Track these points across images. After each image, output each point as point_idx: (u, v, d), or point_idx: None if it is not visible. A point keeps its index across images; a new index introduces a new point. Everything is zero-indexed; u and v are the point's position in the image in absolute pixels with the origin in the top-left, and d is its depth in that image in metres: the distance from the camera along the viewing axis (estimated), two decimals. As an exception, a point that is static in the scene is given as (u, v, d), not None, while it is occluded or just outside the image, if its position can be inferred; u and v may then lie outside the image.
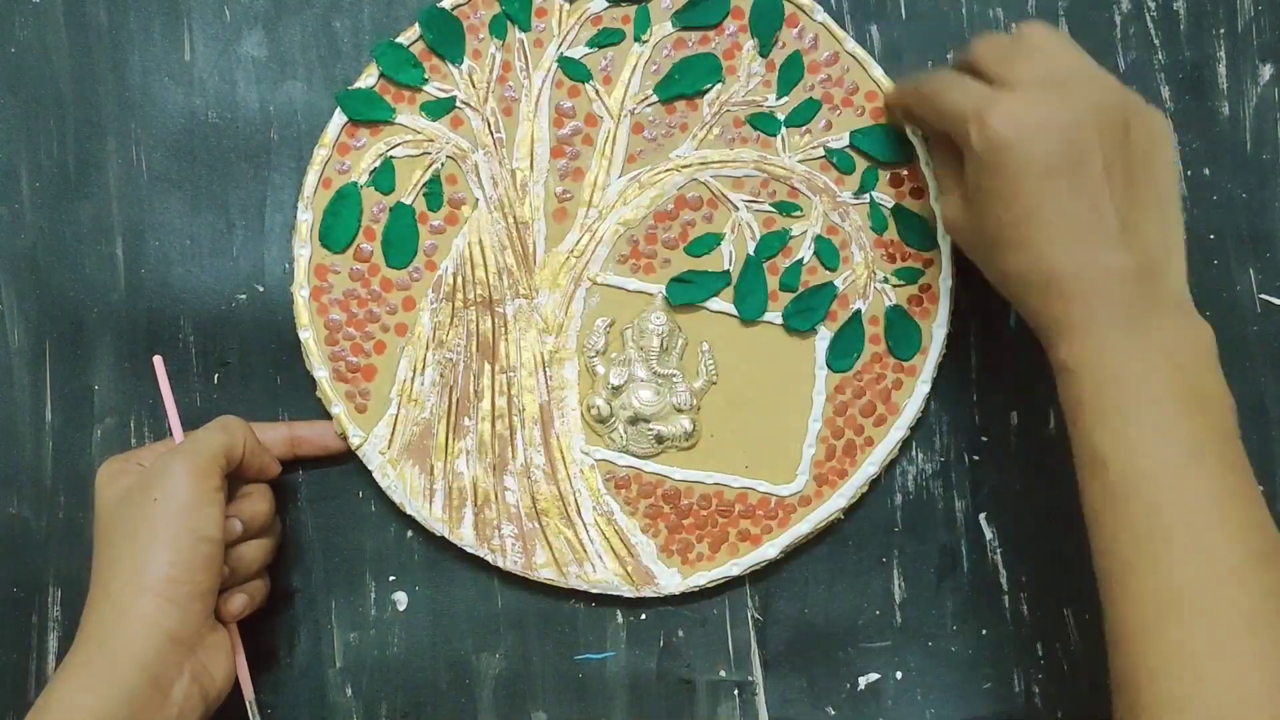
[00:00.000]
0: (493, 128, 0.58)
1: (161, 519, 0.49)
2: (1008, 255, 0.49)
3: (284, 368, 0.59)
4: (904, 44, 0.60)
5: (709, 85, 0.58)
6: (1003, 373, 0.59)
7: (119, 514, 0.51)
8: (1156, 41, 0.60)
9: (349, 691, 0.58)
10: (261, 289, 0.59)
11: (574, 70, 0.58)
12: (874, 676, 0.59)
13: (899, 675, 0.59)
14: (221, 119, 0.59)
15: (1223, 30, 0.60)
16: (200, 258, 0.59)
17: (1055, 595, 0.59)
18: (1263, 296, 0.60)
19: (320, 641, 0.58)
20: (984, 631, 0.59)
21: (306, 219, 0.58)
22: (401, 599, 0.58)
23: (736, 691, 0.58)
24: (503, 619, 0.58)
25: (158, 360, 0.57)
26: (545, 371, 0.58)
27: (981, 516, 0.59)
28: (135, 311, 0.59)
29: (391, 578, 0.59)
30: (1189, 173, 0.60)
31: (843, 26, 0.59)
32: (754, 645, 0.59)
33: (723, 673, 0.58)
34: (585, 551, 0.57)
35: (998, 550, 0.59)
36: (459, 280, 0.58)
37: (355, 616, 0.58)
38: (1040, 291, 0.48)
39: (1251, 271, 0.60)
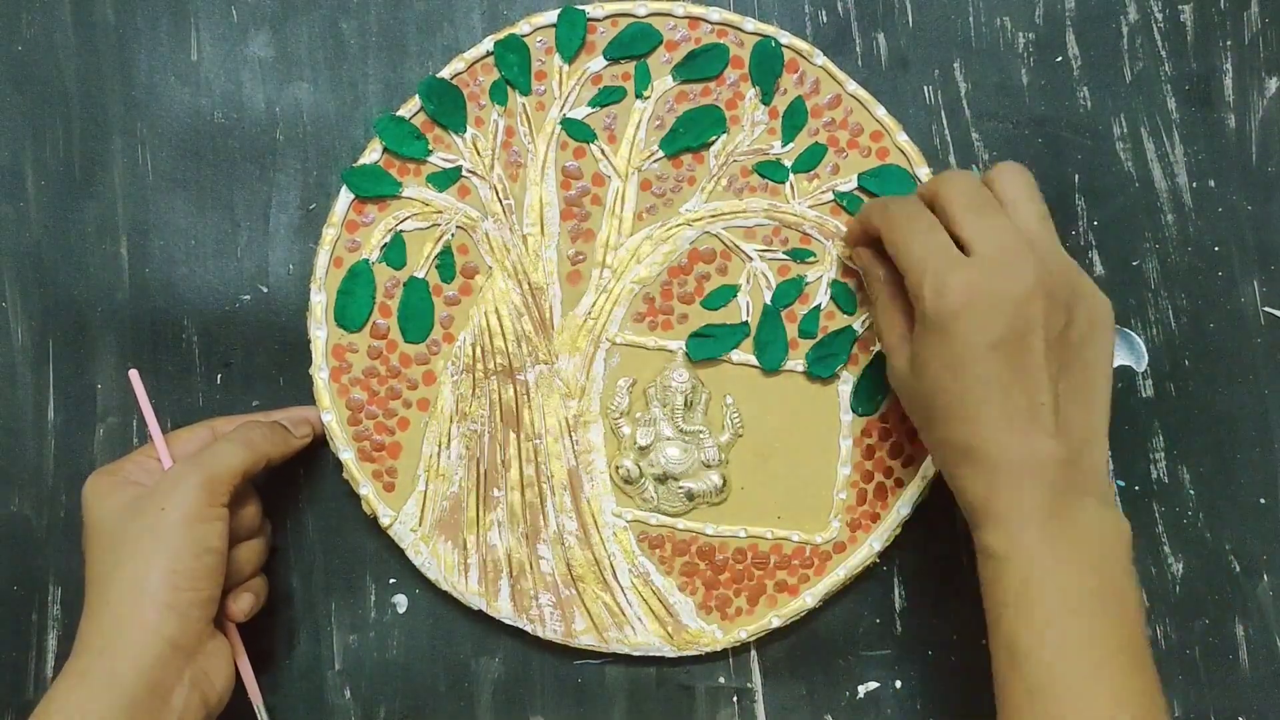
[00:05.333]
0: (500, 194, 0.58)
1: (167, 529, 0.50)
2: (946, 425, 0.48)
3: (287, 368, 0.59)
4: (910, 53, 0.60)
5: (714, 137, 0.58)
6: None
7: (120, 525, 0.51)
8: (1163, 52, 0.60)
9: (348, 694, 0.59)
10: (265, 290, 0.59)
11: (578, 131, 0.58)
12: (873, 685, 0.59)
13: (898, 685, 0.59)
14: (227, 119, 0.59)
15: (1230, 42, 0.60)
16: (204, 258, 0.59)
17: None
18: (1266, 309, 0.60)
19: (320, 643, 0.59)
20: (984, 643, 0.58)
21: (320, 300, 0.57)
22: (401, 601, 0.59)
23: (736, 699, 0.59)
24: (502, 623, 0.58)
25: (134, 374, 0.56)
26: (571, 436, 0.58)
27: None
28: (139, 311, 0.59)
29: (392, 580, 0.59)
30: (1194, 184, 0.60)
31: (849, 36, 0.59)
32: (753, 652, 0.59)
33: (722, 679, 0.59)
34: (624, 615, 0.57)
35: (1001, 559, 0.59)
36: (478, 350, 0.58)
37: (355, 619, 0.59)
38: (971, 469, 0.48)
39: (1255, 284, 0.60)
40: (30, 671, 0.58)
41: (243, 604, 0.54)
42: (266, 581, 0.56)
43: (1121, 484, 0.59)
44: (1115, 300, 0.59)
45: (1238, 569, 0.59)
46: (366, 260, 0.58)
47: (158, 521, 0.50)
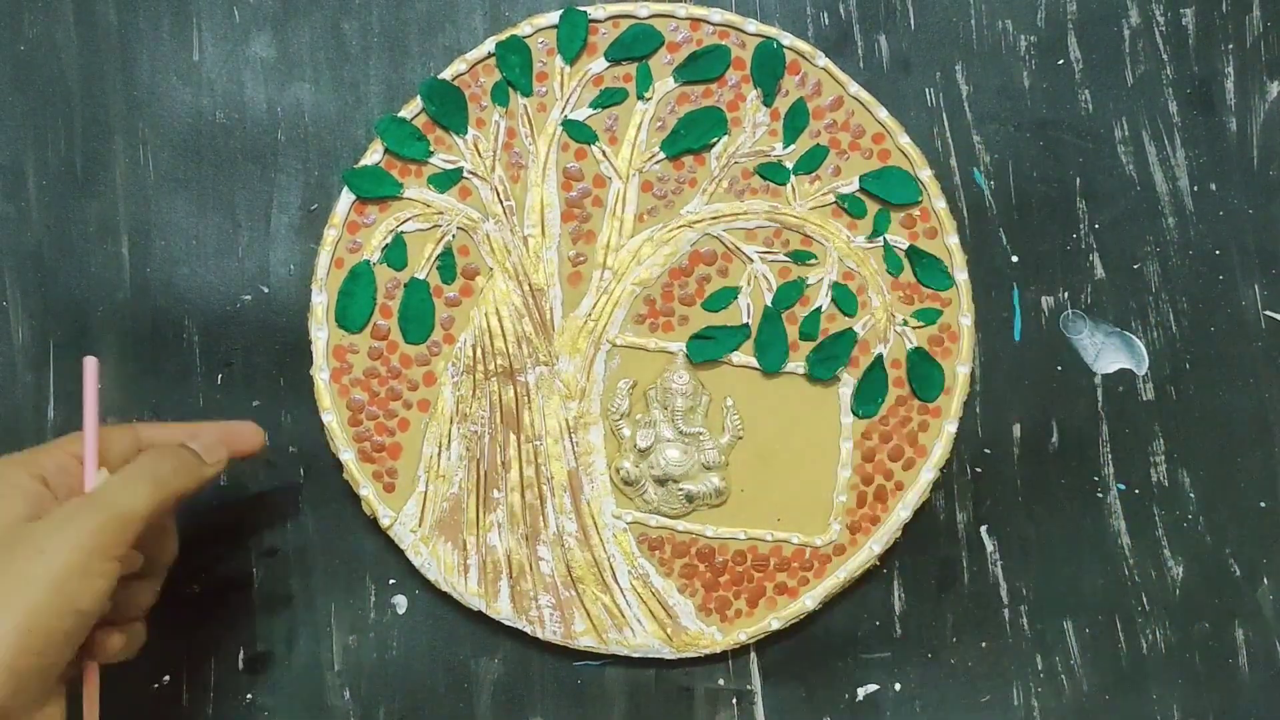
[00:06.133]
0: (501, 196, 0.58)
1: (36, 578, 0.43)
2: None
3: (287, 369, 0.59)
4: (912, 55, 0.60)
5: (715, 138, 0.58)
6: (1006, 385, 0.59)
7: None
8: (1165, 56, 0.60)
9: (346, 694, 0.59)
10: (266, 290, 0.59)
11: (579, 132, 0.58)
12: (873, 688, 0.59)
13: (898, 687, 0.59)
14: (229, 119, 0.59)
15: (1231, 46, 0.60)
16: (206, 258, 0.59)
17: (1055, 608, 0.59)
18: (1267, 313, 0.60)
19: (319, 644, 0.59)
20: (983, 644, 0.59)
21: (321, 301, 0.57)
22: (401, 602, 0.59)
23: (735, 700, 0.59)
24: (502, 624, 0.58)
25: (90, 361, 0.50)
26: (571, 438, 0.58)
27: (983, 529, 0.59)
28: (140, 311, 0.59)
29: (391, 581, 0.59)
30: (1195, 188, 0.60)
31: (850, 38, 0.59)
32: (753, 654, 0.59)
33: (721, 681, 0.59)
34: (624, 616, 0.57)
35: (998, 563, 0.59)
36: (479, 352, 0.58)
37: (354, 619, 0.59)
38: None
39: (1256, 288, 0.60)
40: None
41: (112, 644, 0.47)
42: (145, 630, 0.51)
43: (1122, 486, 0.59)
44: (1116, 303, 0.59)
45: (1238, 573, 0.59)
46: (367, 261, 0.58)
47: (29, 566, 0.43)
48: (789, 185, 0.58)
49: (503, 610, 0.57)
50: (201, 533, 0.58)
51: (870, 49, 0.60)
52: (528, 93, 0.58)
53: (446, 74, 0.58)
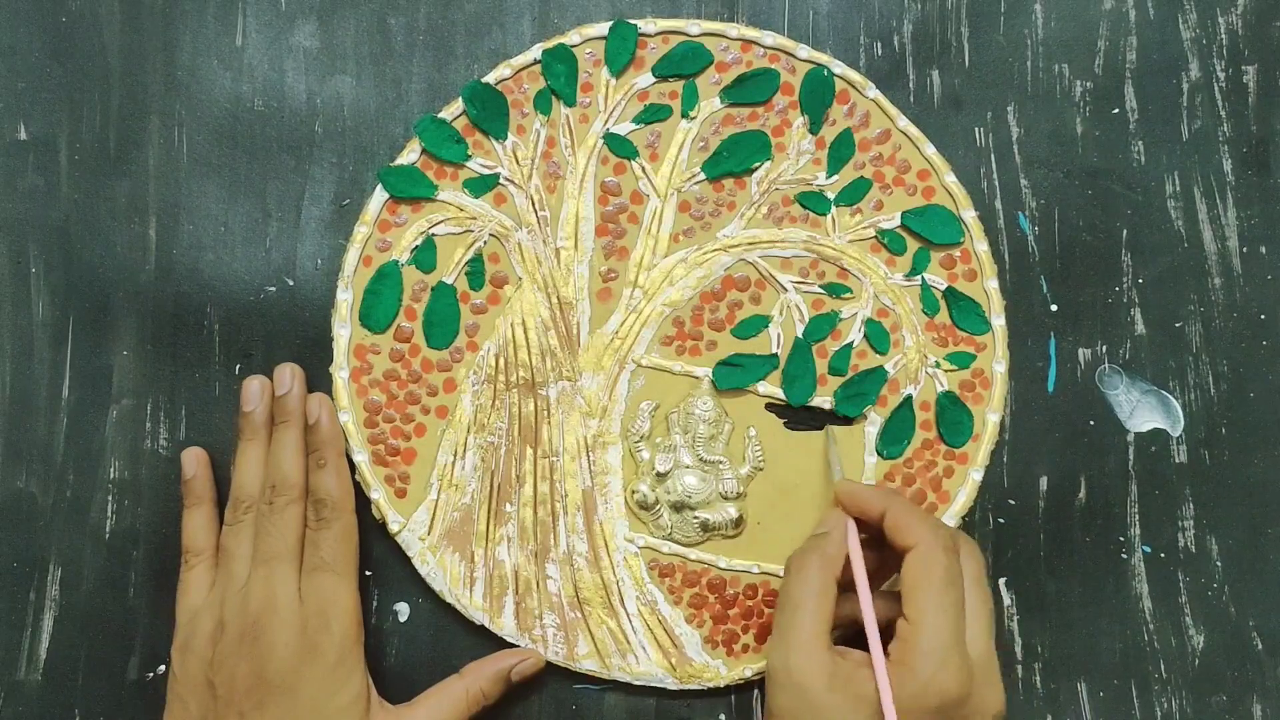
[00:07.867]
0: (536, 205, 0.57)
1: None
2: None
3: (307, 365, 0.58)
4: (964, 93, 0.59)
5: (758, 163, 0.57)
6: (1036, 436, 0.58)
7: None
8: (1223, 112, 0.59)
9: (340, 697, 0.57)
10: (291, 283, 0.58)
11: (620, 147, 0.57)
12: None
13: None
14: (267, 107, 0.59)
15: (1291, 108, 0.59)
16: (233, 245, 0.58)
17: (1070, 669, 0.57)
18: None
19: (315, 643, 0.58)
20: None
21: (346, 298, 0.57)
22: (403, 610, 0.58)
23: (739, 735, 0.58)
24: (505, 640, 0.57)
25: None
26: (588, 456, 0.57)
27: (1002, 581, 0.58)
28: (162, 294, 0.58)
29: (395, 587, 0.58)
30: (1245, 249, 0.58)
31: (903, 71, 0.58)
32: (757, 692, 0.57)
33: (723, 717, 0.57)
34: (629, 642, 0.56)
35: (1015, 618, 0.58)
36: (501, 362, 0.57)
37: (355, 623, 0.57)
38: None
39: (1306, 354, 0.58)
40: (24, 650, 0.57)
41: None
42: None
43: (1148, 549, 0.58)
44: (1155, 361, 0.58)
45: (1260, 647, 0.57)
46: (396, 261, 0.57)
47: None
48: (829, 216, 0.57)
49: (506, 626, 0.56)
50: (207, 524, 0.57)
51: (922, 84, 0.59)
52: (571, 103, 0.57)
53: (490, 78, 0.57)
